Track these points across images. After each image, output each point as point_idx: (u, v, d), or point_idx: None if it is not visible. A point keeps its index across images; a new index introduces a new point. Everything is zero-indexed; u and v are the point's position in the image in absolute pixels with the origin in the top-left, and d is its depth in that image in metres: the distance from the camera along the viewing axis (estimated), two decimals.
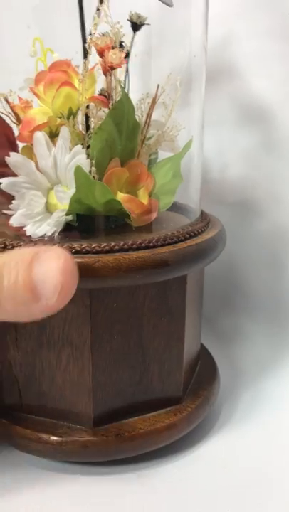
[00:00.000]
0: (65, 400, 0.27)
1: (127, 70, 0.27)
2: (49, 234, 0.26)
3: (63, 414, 0.27)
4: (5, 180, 0.26)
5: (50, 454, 0.27)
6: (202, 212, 0.32)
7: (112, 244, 0.24)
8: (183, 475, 0.27)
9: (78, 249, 0.24)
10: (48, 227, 0.26)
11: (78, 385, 0.27)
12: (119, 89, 0.26)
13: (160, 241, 0.25)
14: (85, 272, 0.23)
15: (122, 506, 0.25)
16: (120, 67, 0.24)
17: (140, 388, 0.28)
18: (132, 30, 0.26)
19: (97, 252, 0.24)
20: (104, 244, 0.24)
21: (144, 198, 0.28)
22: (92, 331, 0.25)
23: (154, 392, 0.28)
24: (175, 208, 0.32)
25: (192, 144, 0.29)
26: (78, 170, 0.24)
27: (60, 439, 0.26)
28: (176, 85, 0.31)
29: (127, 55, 0.26)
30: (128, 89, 0.27)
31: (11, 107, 0.28)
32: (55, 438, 0.27)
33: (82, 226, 0.27)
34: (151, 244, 0.25)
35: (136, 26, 0.25)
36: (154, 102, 0.30)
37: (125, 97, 0.26)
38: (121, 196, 0.27)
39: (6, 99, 0.28)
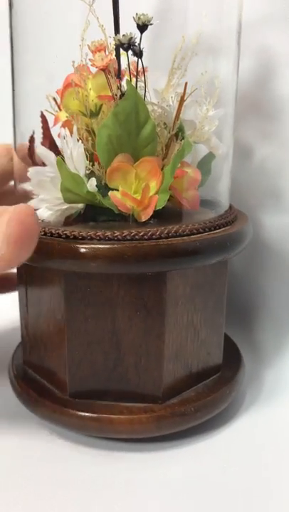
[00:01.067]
0: (53, 367, 0.30)
1: (140, 70, 0.28)
2: (50, 218, 0.29)
3: (53, 379, 0.31)
4: (32, 169, 0.30)
5: (30, 408, 0.30)
6: (230, 207, 0.31)
7: (70, 231, 0.27)
8: (210, 455, 0.28)
9: (54, 232, 0.27)
10: (50, 211, 0.29)
11: (59, 357, 0.29)
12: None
13: (128, 236, 0.26)
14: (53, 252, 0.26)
15: (134, 486, 0.27)
16: (105, 68, 0.26)
17: (115, 376, 0.29)
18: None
19: (67, 237, 0.27)
20: (71, 230, 0.27)
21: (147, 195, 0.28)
22: (67, 310, 0.28)
23: (130, 383, 0.29)
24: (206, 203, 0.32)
25: (191, 145, 0.28)
26: (59, 161, 0.27)
27: (40, 398, 0.30)
28: (212, 83, 0.30)
29: (140, 56, 0.27)
30: (145, 89, 0.28)
31: (58, 107, 0.32)
32: (37, 396, 0.30)
33: (89, 215, 0.30)
34: (118, 237, 0.26)
35: (141, 27, 0.26)
36: (182, 100, 0.30)
37: (133, 94, 0.27)
38: (120, 190, 0.28)
39: (55, 99, 0.32)
